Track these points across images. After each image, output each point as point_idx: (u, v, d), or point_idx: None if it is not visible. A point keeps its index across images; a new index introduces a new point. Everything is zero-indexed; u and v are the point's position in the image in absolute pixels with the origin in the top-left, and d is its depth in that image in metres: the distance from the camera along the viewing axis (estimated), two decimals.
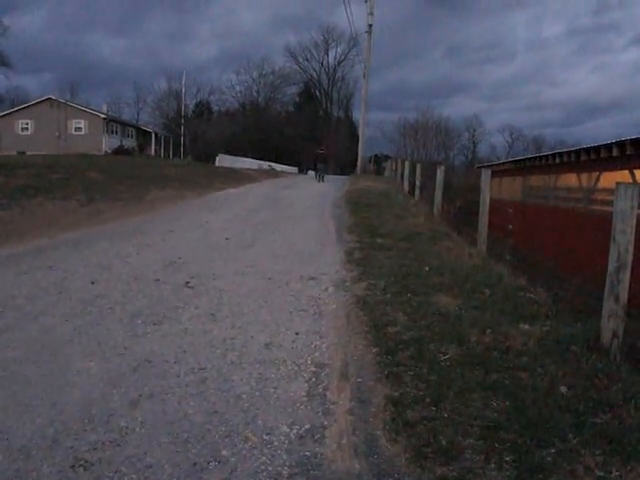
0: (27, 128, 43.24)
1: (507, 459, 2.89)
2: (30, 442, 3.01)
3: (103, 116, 44.21)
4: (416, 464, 2.87)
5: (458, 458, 2.91)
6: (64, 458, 2.87)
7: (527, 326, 4.86)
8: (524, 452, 2.94)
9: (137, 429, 3.19)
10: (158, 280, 6.55)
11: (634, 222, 4.29)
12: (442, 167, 13.95)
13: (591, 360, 4.08)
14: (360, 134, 42.33)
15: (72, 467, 2.79)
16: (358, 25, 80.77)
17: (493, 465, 2.85)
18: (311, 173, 44.64)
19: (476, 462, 2.88)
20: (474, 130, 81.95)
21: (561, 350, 4.30)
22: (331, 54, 78.82)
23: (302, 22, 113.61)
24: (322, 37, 78.06)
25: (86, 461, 2.84)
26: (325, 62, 78.92)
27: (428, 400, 3.53)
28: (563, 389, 3.66)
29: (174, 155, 51.29)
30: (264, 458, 2.93)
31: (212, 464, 2.86)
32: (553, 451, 2.95)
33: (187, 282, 6.49)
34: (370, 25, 37.55)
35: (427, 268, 7.07)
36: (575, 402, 3.48)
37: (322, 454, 2.99)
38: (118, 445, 3.01)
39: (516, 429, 3.16)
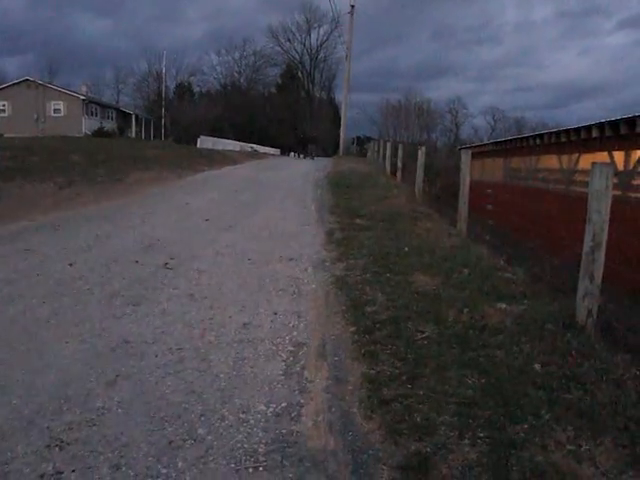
0: (4, 110, 42.54)
1: (481, 435, 2.94)
2: (5, 423, 3.00)
3: (82, 98, 43.62)
4: (391, 440, 2.91)
5: (432, 434, 2.95)
6: (39, 438, 2.87)
7: (504, 305, 4.91)
8: (497, 428, 2.99)
9: (114, 409, 3.19)
10: (137, 262, 6.51)
11: (609, 202, 4.33)
12: (423, 148, 13.95)
13: (566, 338, 4.13)
14: (342, 116, 42.16)
15: (47, 447, 2.79)
16: (341, 6, 79.92)
17: (467, 441, 2.89)
18: (293, 155, 44.95)
19: (450, 438, 2.92)
20: (457, 112, 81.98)
21: (537, 328, 4.35)
22: (313, 35, 77.96)
23: (284, 2, 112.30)
24: (304, 18, 77.28)
25: (62, 441, 2.84)
26: (307, 43, 78.13)
27: (404, 378, 3.57)
28: (537, 366, 3.71)
29: (155, 137, 50.83)
30: (240, 436, 2.95)
31: (188, 442, 2.87)
32: (526, 427, 3.00)
33: (166, 263, 6.46)
34: (352, 6, 37.28)
35: (407, 248, 7.10)
36: (549, 379, 3.53)
37: (298, 432, 3.02)
38: (94, 425, 3.01)
39: (490, 406, 3.21)
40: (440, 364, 3.75)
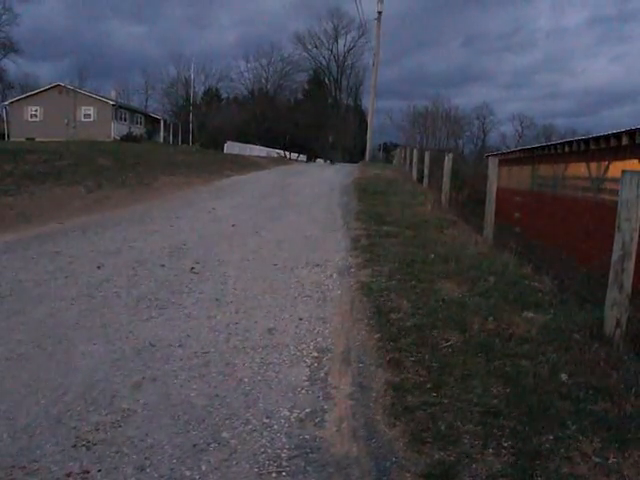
0: (36, 115, 43.47)
1: (505, 445, 2.91)
2: (34, 422, 3.05)
3: (112, 103, 44.29)
4: (414, 449, 2.89)
5: (456, 443, 2.93)
6: (67, 438, 2.91)
7: (530, 314, 4.86)
8: (522, 438, 2.96)
9: (139, 411, 3.23)
10: (164, 265, 6.58)
11: (639, 210, 4.26)
12: (450, 155, 13.86)
13: (593, 348, 4.08)
14: (369, 122, 42.12)
15: (74, 446, 2.83)
16: (369, 12, 79.85)
17: (491, 450, 2.87)
18: (319, 161, 45.42)
19: (474, 447, 2.89)
20: (484, 119, 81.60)
21: (564, 338, 4.30)
22: (340, 41, 77.81)
23: (312, 9, 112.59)
24: (332, 24, 77.29)
25: (88, 441, 2.88)
26: (334, 49, 78.07)
27: (429, 386, 3.55)
28: (564, 377, 3.66)
29: (182, 142, 51.29)
30: (264, 441, 2.96)
31: (212, 446, 2.89)
32: (551, 437, 2.96)
33: (192, 268, 6.52)
34: (379, 12, 37.16)
35: (432, 255, 7.07)
36: (575, 390, 3.49)
37: (321, 438, 3.02)
38: (120, 426, 3.05)
39: (515, 415, 3.18)
40: (465, 373, 3.73)
